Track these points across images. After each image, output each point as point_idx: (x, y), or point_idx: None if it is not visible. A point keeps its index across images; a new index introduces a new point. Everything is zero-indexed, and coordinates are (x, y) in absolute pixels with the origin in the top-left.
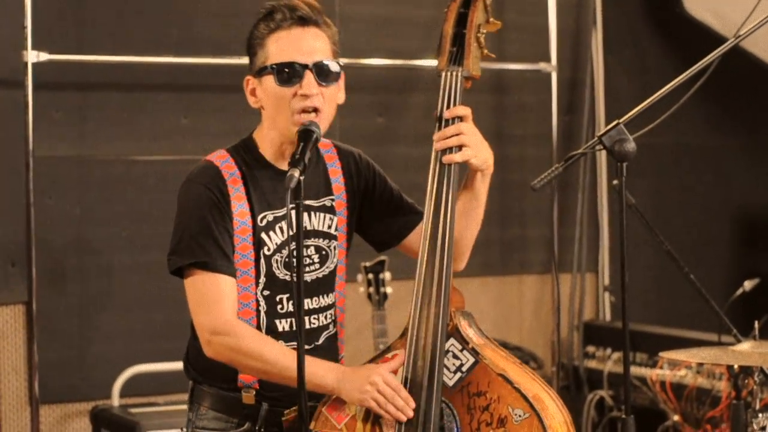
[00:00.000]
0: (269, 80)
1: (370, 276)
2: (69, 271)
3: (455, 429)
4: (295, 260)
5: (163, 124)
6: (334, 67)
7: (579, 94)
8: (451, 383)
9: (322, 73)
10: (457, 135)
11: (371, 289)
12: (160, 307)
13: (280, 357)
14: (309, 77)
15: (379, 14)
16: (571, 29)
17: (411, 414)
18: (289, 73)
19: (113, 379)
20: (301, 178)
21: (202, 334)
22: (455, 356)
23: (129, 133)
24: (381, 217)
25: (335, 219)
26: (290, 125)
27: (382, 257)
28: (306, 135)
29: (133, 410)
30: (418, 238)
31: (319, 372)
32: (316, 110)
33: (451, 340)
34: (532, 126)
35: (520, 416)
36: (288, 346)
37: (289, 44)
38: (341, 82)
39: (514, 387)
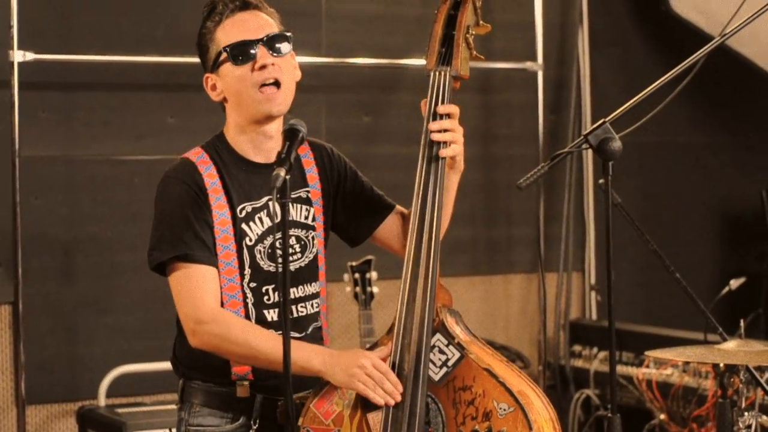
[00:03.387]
0: (226, 66)
1: (357, 275)
2: (55, 271)
3: (441, 424)
4: (280, 251)
5: (150, 124)
6: (284, 36)
7: (565, 93)
8: (437, 378)
9: (274, 45)
10: (451, 131)
11: (358, 289)
12: (147, 307)
13: (265, 342)
14: (262, 50)
15: (365, 12)
16: (557, 28)
17: (399, 398)
18: (242, 51)
19: (100, 380)
20: (287, 177)
21: (187, 324)
22: (441, 351)
23: (115, 133)
24: (351, 210)
25: (312, 210)
26: (255, 102)
27: (369, 257)
28: (292, 134)
29: (120, 410)
30: (390, 231)
31: (306, 355)
32: (277, 83)
33: (437, 336)
34: (518, 125)
35: (504, 410)
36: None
37: (237, 27)
38: (294, 60)
39: (499, 381)
